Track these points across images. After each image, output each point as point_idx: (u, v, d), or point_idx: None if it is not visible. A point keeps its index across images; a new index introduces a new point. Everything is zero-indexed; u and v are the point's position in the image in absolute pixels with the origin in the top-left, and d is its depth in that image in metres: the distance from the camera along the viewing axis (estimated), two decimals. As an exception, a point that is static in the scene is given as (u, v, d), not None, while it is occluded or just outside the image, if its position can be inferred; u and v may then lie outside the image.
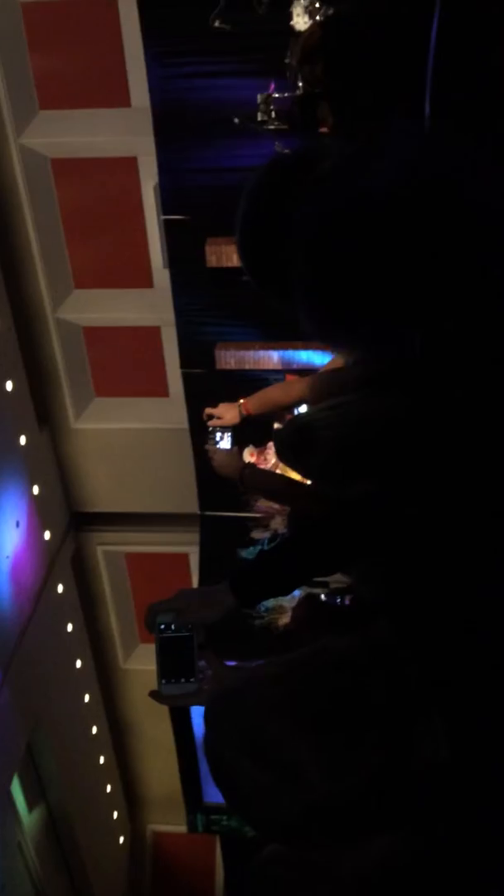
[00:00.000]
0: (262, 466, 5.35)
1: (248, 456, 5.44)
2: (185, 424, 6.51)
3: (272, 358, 5.52)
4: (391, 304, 1.03)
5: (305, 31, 2.86)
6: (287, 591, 1.56)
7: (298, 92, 3.64)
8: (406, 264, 0.99)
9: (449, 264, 0.99)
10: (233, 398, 5.90)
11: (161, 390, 6.87)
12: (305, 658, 1.22)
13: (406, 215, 0.96)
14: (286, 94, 4.07)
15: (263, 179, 1.15)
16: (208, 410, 2.82)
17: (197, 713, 7.12)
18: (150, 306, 6.36)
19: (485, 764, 1.08)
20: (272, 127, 4.27)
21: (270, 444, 5.12)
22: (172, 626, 1.55)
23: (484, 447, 1.11)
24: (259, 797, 1.10)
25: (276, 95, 4.24)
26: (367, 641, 1.17)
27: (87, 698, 7.73)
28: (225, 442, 2.79)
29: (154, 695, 1.50)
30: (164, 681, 1.54)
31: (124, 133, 5.72)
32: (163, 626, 1.56)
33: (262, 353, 5.59)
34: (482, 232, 0.98)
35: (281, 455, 1.79)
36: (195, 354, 6.05)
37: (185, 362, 6.20)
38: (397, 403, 1.21)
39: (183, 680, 1.52)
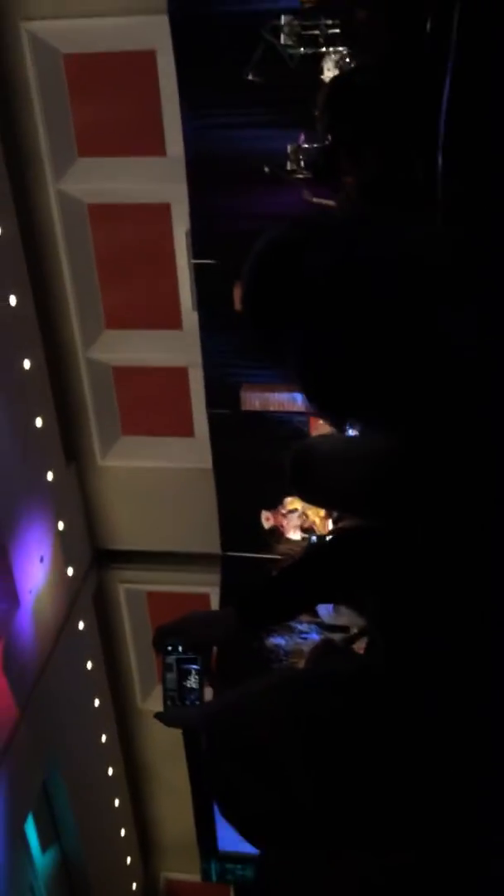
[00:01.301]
0: (280, 523, 5.38)
1: (265, 520, 5.48)
2: (209, 464, 6.56)
3: (296, 400, 5.57)
4: (377, 409, 1.13)
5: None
6: (290, 616, 1.57)
7: (326, 143, 3.74)
8: (383, 378, 1.09)
9: (422, 372, 1.08)
10: (257, 439, 5.97)
11: (187, 430, 6.93)
12: (304, 675, 1.25)
13: (387, 343, 1.05)
14: (315, 145, 4.18)
15: (256, 277, 1.20)
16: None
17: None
18: (179, 347, 6.46)
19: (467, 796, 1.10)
20: (301, 176, 4.37)
21: (284, 501, 5.16)
22: (180, 648, 1.56)
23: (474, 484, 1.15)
24: (247, 804, 1.12)
25: (306, 146, 4.36)
26: (365, 667, 1.19)
27: (104, 738, 7.67)
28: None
29: (159, 716, 1.52)
30: (169, 702, 1.55)
31: (159, 181, 5.88)
32: (170, 648, 1.57)
33: (286, 395, 5.65)
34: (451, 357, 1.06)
35: (288, 483, 1.82)
36: (221, 395, 6.13)
37: (210, 403, 6.27)
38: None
39: (188, 702, 1.52)
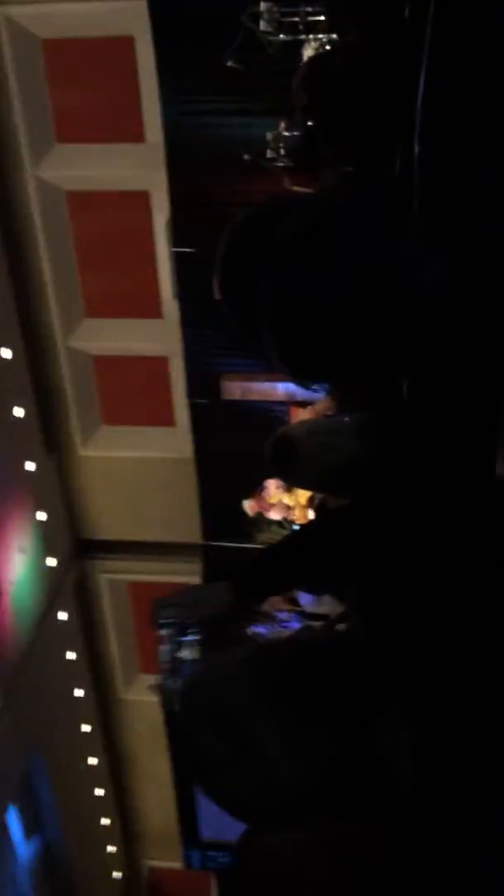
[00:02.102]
0: (264, 508, 5.39)
1: (249, 508, 5.48)
2: (190, 454, 6.55)
3: (277, 390, 5.57)
4: (351, 375, 1.14)
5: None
6: (282, 590, 1.60)
7: (305, 131, 3.73)
8: (357, 349, 1.09)
9: (396, 347, 1.09)
10: (238, 428, 5.96)
11: (168, 419, 6.92)
12: (279, 644, 1.27)
13: (356, 308, 1.06)
14: (295, 133, 4.16)
15: (229, 245, 1.21)
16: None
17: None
18: (159, 336, 6.43)
19: (445, 763, 1.11)
20: (281, 164, 4.35)
21: (265, 483, 5.16)
22: (174, 621, 1.56)
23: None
24: (219, 770, 1.12)
25: (286, 134, 4.33)
26: (339, 636, 1.21)
27: (85, 728, 7.67)
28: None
29: (154, 688, 1.53)
30: (164, 675, 1.55)
31: (138, 167, 5.84)
32: (164, 621, 1.57)
33: (267, 384, 5.64)
34: (422, 314, 1.08)
35: (269, 467, 1.84)
36: (202, 385, 6.11)
37: (191, 392, 6.25)
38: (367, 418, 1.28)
39: (181, 675, 1.52)
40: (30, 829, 7.04)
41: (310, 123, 3.08)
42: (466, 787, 1.13)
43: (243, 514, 5.59)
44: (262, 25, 4.26)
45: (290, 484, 2.01)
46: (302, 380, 1.27)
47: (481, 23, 1.39)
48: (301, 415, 5.24)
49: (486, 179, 1.31)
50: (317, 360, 1.17)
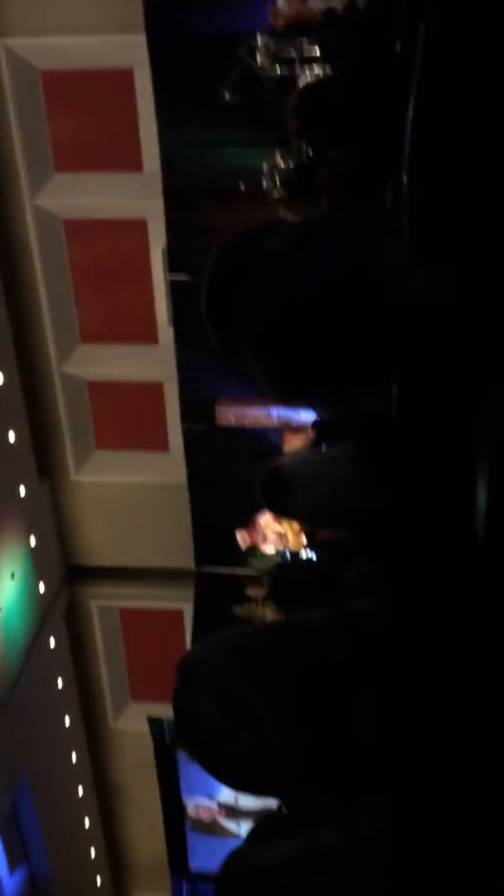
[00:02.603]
0: (256, 540, 5.42)
1: (242, 541, 5.49)
2: (184, 479, 6.55)
3: (272, 416, 5.59)
4: (331, 386, 1.17)
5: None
6: None
7: (301, 162, 3.79)
8: (335, 359, 1.12)
9: (373, 354, 1.11)
10: (232, 454, 5.97)
11: (161, 445, 6.93)
12: (277, 624, 1.30)
13: (333, 318, 1.08)
14: (290, 164, 4.22)
15: (214, 266, 1.24)
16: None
17: (185, 778, 6.98)
18: (154, 362, 6.46)
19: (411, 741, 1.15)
20: (276, 194, 4.41)
21: (256, 517, 5.19)
22: None
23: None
24: (214, 738, 1.16)
25: (281, 165, 4.40)
26: (335, 617, 1.24)
27: (74, 758, 7.57)
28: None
29: None
30: None
31: (135, 197, 5.91)
32: None
33: (261, 410, 5.66)
34: (400, 326, 1.10)
35: (260, 500, 1.86)
36: (196, 410, 6.13)
37: (185, 417, 6.27)
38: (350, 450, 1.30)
39: None
40: (15, 859, 6.92)
41: (301, 143, 3.14)
42: (440, 771, 1.16)
43: (237, 541, 5.59)
44: (259, 59, 4.35)
45: (282, 517, 2.03)
46: (284, 395, 1.30)
47: (472, 57, 1.42)
48: (294, 441, 5.26)
49: (474, 212, 1.34)
50: (294, 370, 1.19)
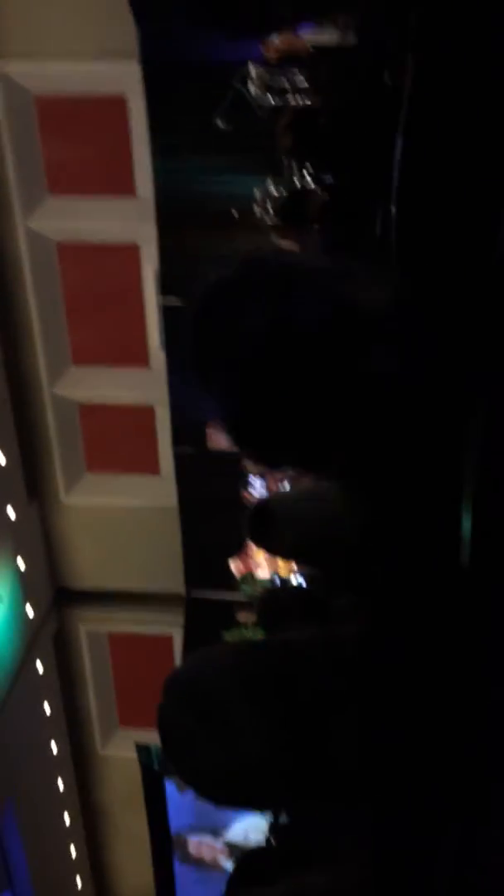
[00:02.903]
0: (250, 567, 5.39)
1: (236, 570, 5.47)
2: (174, 503, 6.53)
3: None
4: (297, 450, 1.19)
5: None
6: None
7: (294, 189, 3.82)
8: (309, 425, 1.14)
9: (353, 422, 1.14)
10: (223, 478, 5.96)
11: (152, 468, 6.91)
12: (264, 642, 1.31)
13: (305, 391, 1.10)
14: (283, 192, 4.25)
15: (195, 311, 1.25)
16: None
17: (173, 805, 6.90)
18: (146, 385, 6.46)
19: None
20: (268, 221, 4.44)
21: (248, 543, 5.18)
22: None
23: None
24: (194, 752, 1.19)
25: (273, 192, 4.43)
26: (321, 639, 1.26)
27: (61, 784, 7.47)
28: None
29: None
30: None
31: (128, 221, 5.94)
32: None
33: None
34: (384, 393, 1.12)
35: (248, 535, 1.85)
36: (187, 433, 6.13)
37: (177, 440, 6.27)
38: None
39: None
40: (0, 886, 6.80)
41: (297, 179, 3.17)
42: (413, 797, 1.17)
43: (228, 565, 5.57)
44: (251, 88, 4.39)
45: (271, 553, 2.02)
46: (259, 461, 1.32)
47: (460, 89, 1.44)
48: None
49: (462, 246, 1.35)
50: (278, 454, 1.21)
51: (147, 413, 6.67)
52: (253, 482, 3.69)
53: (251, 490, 4.67)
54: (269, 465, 1.36)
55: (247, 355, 1.09)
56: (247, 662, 1.25)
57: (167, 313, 5.64)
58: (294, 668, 1.24)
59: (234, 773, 1.19)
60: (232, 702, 1.19)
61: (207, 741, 1.18)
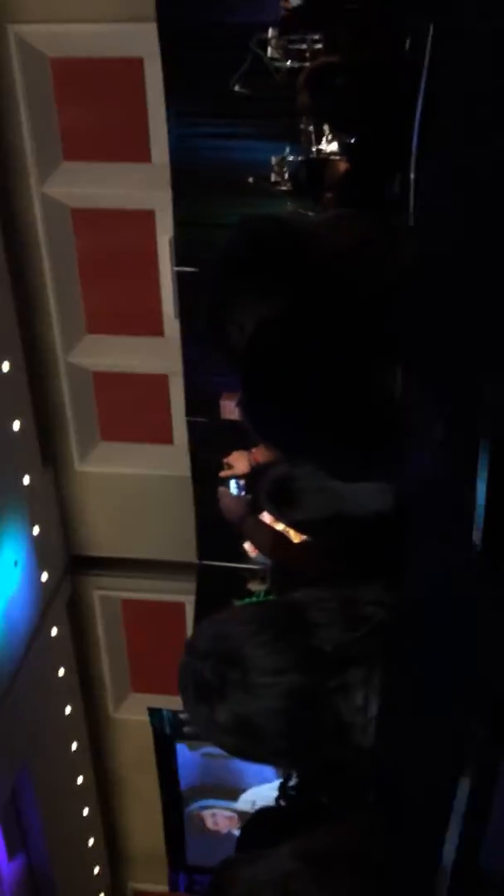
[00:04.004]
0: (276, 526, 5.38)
1: (250, 549, 5.47)
2: (187, 472, 6.54)
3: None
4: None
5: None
6: None
7: (311, 156, 3.77)
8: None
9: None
10: (236, 448, 5.97)
11: (166, 437, 6.92)
12: (282, 599, 1.37)
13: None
14: (300, 158, 4.20)
15: (216, 275, 1.25)
16: (224, 460, 2.89)
17: (183, 767, 7.00)
18: (160, 354, 6.45)
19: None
20: (285, 188, 4.39)
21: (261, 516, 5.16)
22: None
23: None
24: (211, 702, 1.24)
25: (290, 159, 4.37)
26: (335, 598, 1.29)
27: (74, 747, 7.60)
28: (237, 489, 2.85)
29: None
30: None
31: (143, 187, 5.88)
32: None
33: (266, 405, 5.64)
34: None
35: (262, 503, 1.84)
36: (201, 403, 6.11)
37: (190, 410, 6.26)
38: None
39: None
40: (14, 847, 6.96)
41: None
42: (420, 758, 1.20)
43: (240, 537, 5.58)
44: (270, 52, 4.31)
45: (285, 524, 2.02)
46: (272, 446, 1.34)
47: (479, 56, 1.41)
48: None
49: (480, 213, 1.32)
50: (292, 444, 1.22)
51: (161, 382, 6.67)
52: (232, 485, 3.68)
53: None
54: (280, 443, 1.36)
55: (264, 319, 1.09)
56: (264, 618, 1.29)
57: (182, 281, 5.60)
58: (311, 621, 1.28)
59: (248, 722, 1.22)
60: (248, 654, 1.23)
61: (224, 691, 1.22)
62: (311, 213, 3.04)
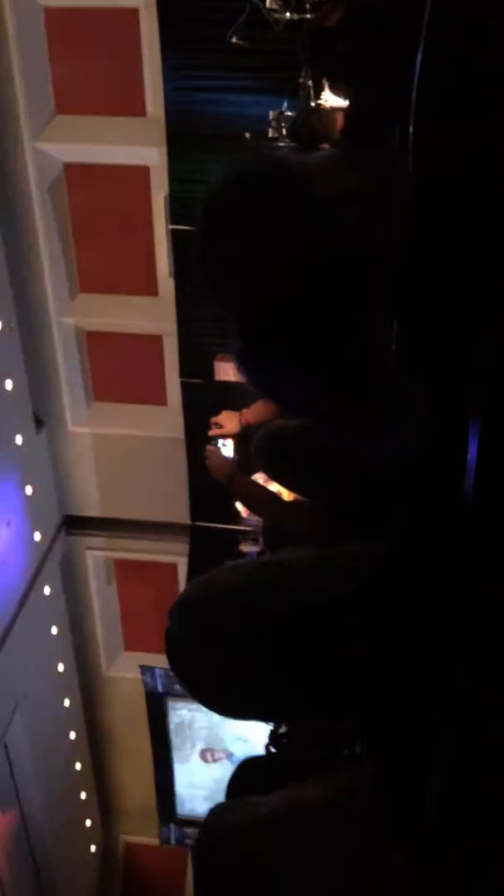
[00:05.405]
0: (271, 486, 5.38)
1: (244, 512, 5.47)
2: (181, 434, 6.53)
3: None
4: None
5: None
6: None
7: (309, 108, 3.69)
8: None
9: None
10: (230, 410, 5.95)
11: (159, 398, 6.89)
12: (263, 560, 1.37)
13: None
14: (297, 112, 4.11)
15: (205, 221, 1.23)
16: (213, 419, 2.86)
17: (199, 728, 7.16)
18: (154, 314, 6.39)
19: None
20: (282, 143, 4.31)
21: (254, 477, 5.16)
22: None
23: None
24: (196, 663, 1.26)
25: (288, 113, 4.29)
26: (319, 557, 1.30)
27: (67, 703, 7.69)
28: (226, 449, 2.82)
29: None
30: None
31: (138, 142, 5.77)
32: None
33: (260, 366, 5.61)
34: None
35: (255, 460, 1.83)
36: (195, 364, 6.08)
37: (184, 371, 6.23)
38: None
39: None
40: (7, 801, 7.07)
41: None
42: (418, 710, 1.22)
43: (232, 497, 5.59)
44: (269, 2, 4.21)
45: (278, 482, 2.01)
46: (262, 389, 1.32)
47: (479, 11, 1.37)
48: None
49: (480, 162, 1.30)
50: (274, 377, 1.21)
51: (155, 342, 6.62)
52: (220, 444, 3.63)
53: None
54: (276, 392, 1.34)
55: (261, 264, 1.07)
56: (244, 580, 1.30)
57: (177, 240, 5.53)
58: (290, 581, 1.28)
59: (233, 682, 1.25)
60: (230, 616, 1.24)
61: (208, 653, 1.23)
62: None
